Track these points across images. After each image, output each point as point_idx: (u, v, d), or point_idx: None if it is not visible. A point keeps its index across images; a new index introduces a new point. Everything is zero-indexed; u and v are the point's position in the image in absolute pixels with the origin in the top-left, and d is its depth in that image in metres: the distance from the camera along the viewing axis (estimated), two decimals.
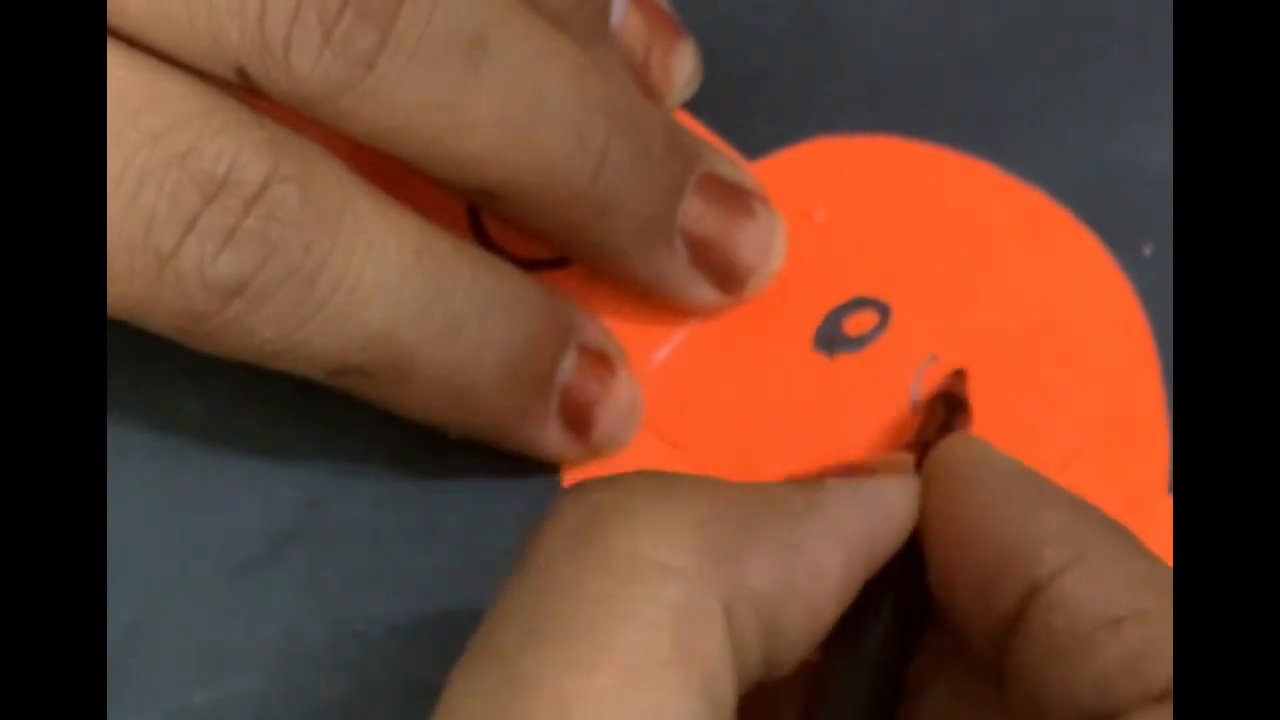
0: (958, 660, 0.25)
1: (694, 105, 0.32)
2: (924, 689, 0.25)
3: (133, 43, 0.26)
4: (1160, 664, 0.21)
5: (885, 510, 0.24)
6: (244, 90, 0.26)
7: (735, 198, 0.30)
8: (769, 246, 0.31)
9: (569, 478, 0.30)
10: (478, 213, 0.31)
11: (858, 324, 0.31)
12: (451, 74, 0.26)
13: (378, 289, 0.26)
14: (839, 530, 0.23)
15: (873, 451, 0.30)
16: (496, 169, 0.27)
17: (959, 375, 0.30)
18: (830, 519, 0.23)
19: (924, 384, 0.31)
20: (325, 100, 0.26)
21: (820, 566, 0.23)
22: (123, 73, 0.25)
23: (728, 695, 0.22)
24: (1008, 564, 0.23)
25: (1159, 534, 0.30)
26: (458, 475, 0.30)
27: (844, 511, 0.24)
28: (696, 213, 0.30)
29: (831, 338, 0.31)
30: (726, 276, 0.30)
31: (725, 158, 0.31)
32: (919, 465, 0.25)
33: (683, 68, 0.32)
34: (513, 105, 0.27)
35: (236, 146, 0.26)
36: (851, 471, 0.25)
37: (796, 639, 0.23)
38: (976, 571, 0.24)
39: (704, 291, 0.30)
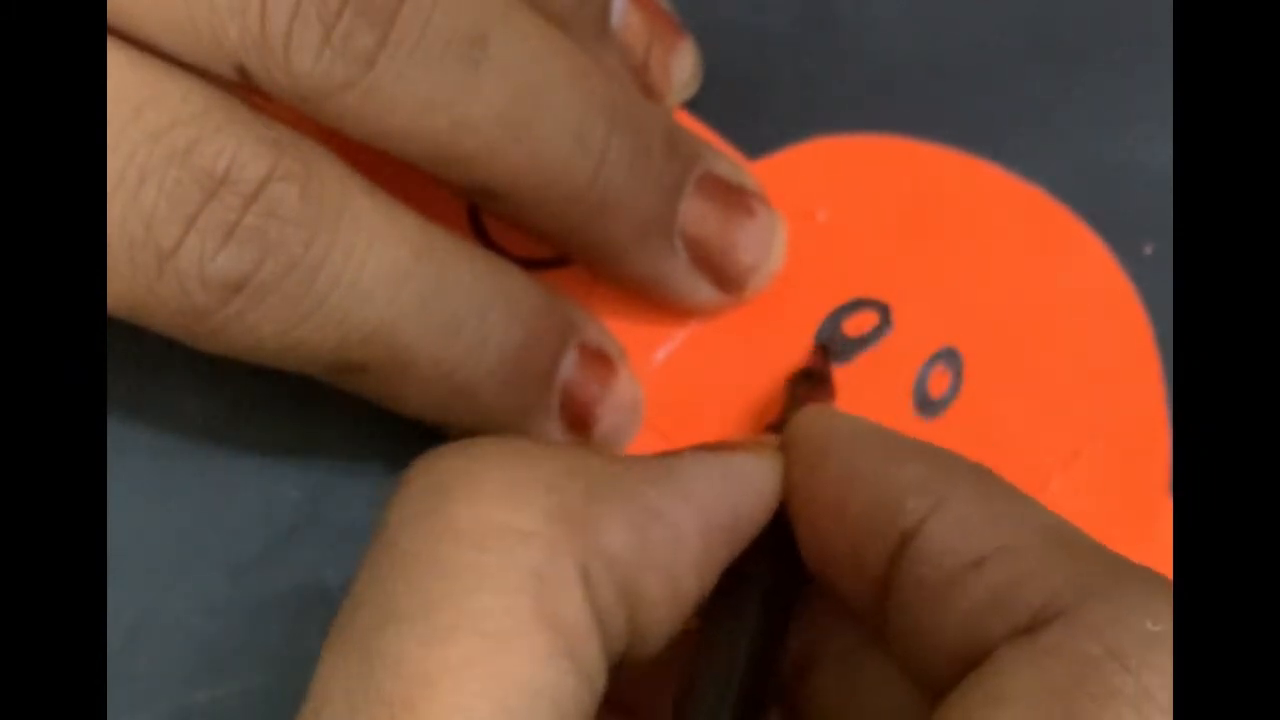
0: (842, 628, 0.25)
1: (694, 105, 0.32)
2: (815, 661, 0.25)
3: (133, 40, 0.26)
4: (1025, 597, 0.21)
5: (745, 482, 0.24)
6: (244, 89, 0.26)
7: (735, 198, 0.30)
8: (769, 246, 0.31)
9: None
10: (478, 212, 0.31)
11: (858, 324, 0.31)
12: (451, 73, 0.26)
13: (377, 286, 0.26)
14: (696, 498, 0.23)
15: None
16: (496, 168, 0.27)
17: (819, 351, 0.30)
18: (687, 486, 0.23)
19: (907, 392, 0.31)
20: (325, 98, 0.26)
21: (677, 532, 0.23)
22: (124, 71, 0.25)
23: (595, 662, 0.21)
24: (873, 521, 0.23)
25: (1159, 534, 0.30)
26: None
27: (701, 480, 0.23)
28: (696, 213, 0.30)
29: (832, 337, 0.31)
30: (726, 276, 0.30)
31: (725, 158, 0.31)
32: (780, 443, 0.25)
33: (683, 68, 0.32)
34: (513, 105, 0.27)
35: (237, 144, 0.26)
36: (711, 448, 0.24)
37: (658, 608, 0.22)
38: (845, 535, 0.23)
39: (704, 291, 0.30)
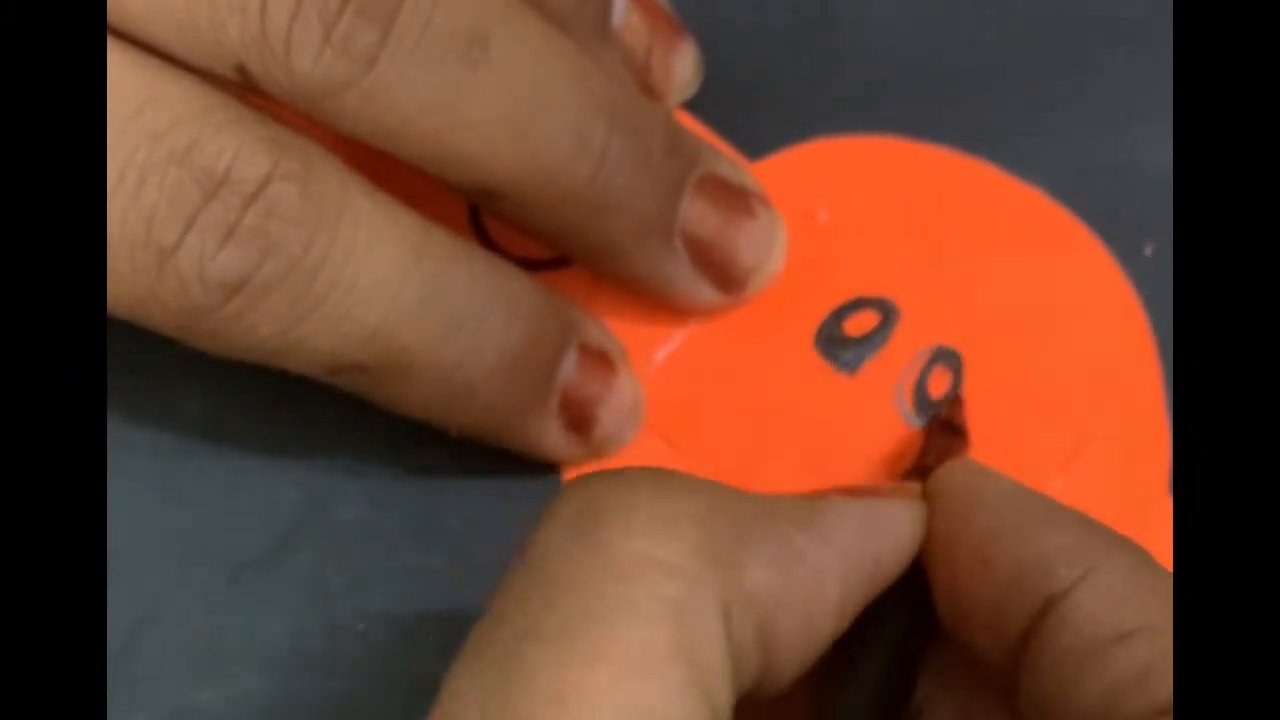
0: (965, 681, 0.25)
1: (694, 105, 0.32)
2: (931, 712, 0.25)
3: (133, 40, 0.26)
4: (1168, 677, 0.21)
5: (888, 531, 0.24)
6: (244, 88, 0.26)
7: (735, 198, 0.30)
8: (769, 247, 0.31)
9: (570, 478, 0.30)
10: (478, 213, 0.31)
11: (858, 324, 0.31)
12: (452, 73, 0.26)
13: (376, 286, 0.26)
14: (839, 544, 0.23)
15: (873, 473, 0.30)
16: (496, 168, 0.27)
17: (956, 403, 0.30)
18: (831, 532, 0.23)
19: (907, 392, 0.31)
20: (326, 98, 0.26)
21: (819, 577, 0.23)
22: (124, 72, 0.25)
23: (724, 698, 0.21)
24: (1019, 582, 0.23)
25: (1159, 534, 0.30)
26: (458, 475, 0.30)
27: (845, 526, 0.23)
28: (696, 213, 0.30)
29: (832, 338, 0.31)
30: (726, 276, 0.30)
31: (725, 158, 0.31)
32: (921, 492, 0.26)
33: (683, 68, 0.32)
34: (513, 104, 0.27)
35: (237, 144, 0.26)
36: (855, 492, 0.25)
37: (792, 649, 0.23)
38: (988, 592, 0.24)
39: (704, 292, 0.30)
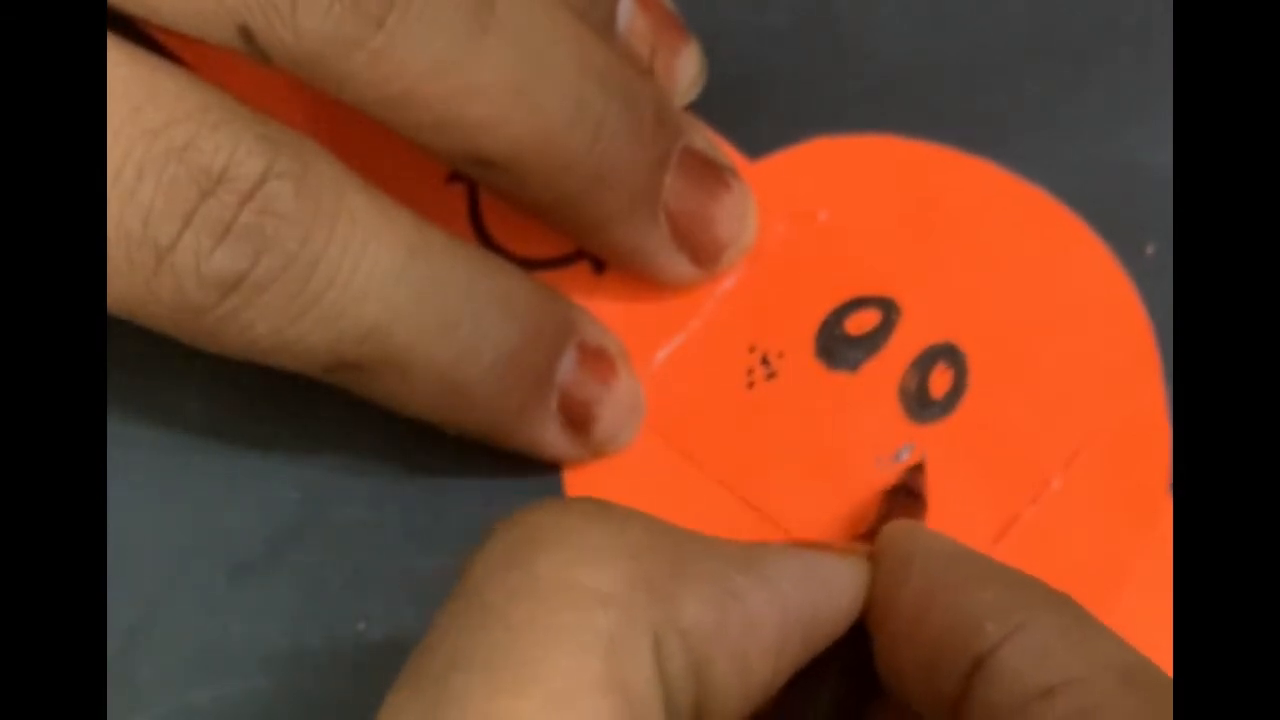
0: None
1: (695, 105, 0.32)
2: None
3: (134, 3, 0.26)
4: None
5: (827, 583, 0.24)
6: (246, 56, 0.26)
7: (713, 172, 0.30)
8: (744, 220, 0.31)
9: (570, 477, 0.30)
10: (477, 212, 0.31)
11: (859, 323, 0.31)
12: (459, 34, 0.26)
13: (373, 284, 0.26)
14: (777, 590, 0.23)
15: (873, 473, 0.30)
16: (499, 135, 0.27)
17: (917, 470, 0.30)
18: (770, 575, 0.23)
19: (908, 391, 0.31)
20: (332, 59, 0.26)
21: (754, 619, 0.23)
22: (123, 69, 0.25)
23: None
24: (951, 642, 0.23)
25: (1159, 534, 0.30)
26: (458, 475, 0.30)
27: (784, 572, 0.23)
28: (679, 186, 0.30)
29: (833, 337, 0.31)
30: (703, 251, 0.30)
31: (702, 131, 0.31)
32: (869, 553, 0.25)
33: (687, 70, 0.32)
34: (518, 68, 0.27)
35: (234, 142, 0.26)
36: (801, 545, 0.25)
37: (727, 690, 0.22)
38: (922, 651, 0.23)
39: (681, 266, 0.30)
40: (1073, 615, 0.23)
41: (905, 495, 0.29)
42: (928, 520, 0.29)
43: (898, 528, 0.26)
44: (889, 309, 0.31)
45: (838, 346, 0.31)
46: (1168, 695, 0.22)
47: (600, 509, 0.23)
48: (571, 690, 0.20)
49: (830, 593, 0.24)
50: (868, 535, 0.27)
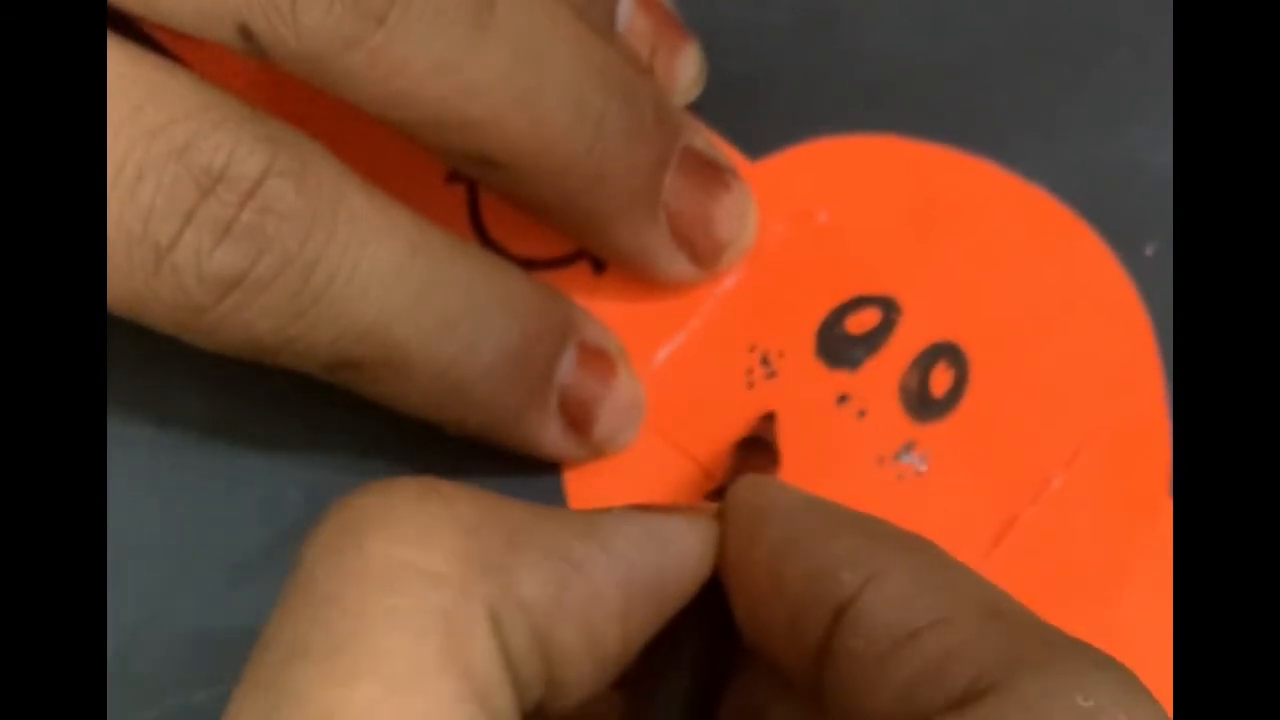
0: (780, 698, 0.25)
1: (695, 105, 0.32)
2: None
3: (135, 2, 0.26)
4: (958, 669, 0.21)
5: (671, 545, 0.24)
6: (245, 54, 0.26)
7: (713, 172, 0.30)
8: (744, 220, 0.31)
9: (570, 477, 0.30)
10: (477, 212, 0.31)
11: (860, 322, 0.31)
12: (460, 33, 0.26)
13: (372, 283, 0.26)
14: (618, 555, 0.23)
15: (872, 473, 0.30)
16: (499, 134, 0.27)
17: (768, 419, 0.30)
18: (609, 541, 0.23)
19: (909, 390, 0.31)
20: (333, 57, 0.26)
21: (596, 586, 0.22)
22: (123, 68, 0.25)
23: (506, 709, 0.21)
24: (808, 594, 0.23)
25: (1159, 534, 0.30)
26: (458, 475, 0.30)
27: (624, 537, 0.23)
28: (679, 186, 0.30)
29: (833, 336, 0.31)
30: (703, 251, 0.30)
31: (701, 131, 0.31)
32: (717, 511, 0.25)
33: (687, 70, 0.32)
34: (518, 67, 0.27)
35: (234, 141, 0.25)
36: (642, 509, 0.24)
37: (576, 661, 0.22)
38: (781, 606, 0.23)
39: (680, 265, 0.30)
40: (930, 557, 0.23)
41: (758, 447, 0.29)
42: (781, 473, 0.29)
43: (745, 483, 0.25)
44: (889, 308, 0.31)
45: (838, 346, 0.31)
46: (1030, 628, 0.21)
47: (427, 488, 0.22)
48: (409, 673, 0.20)
49: (675, 553, 0.24)
50: (718, 492, 0.26)
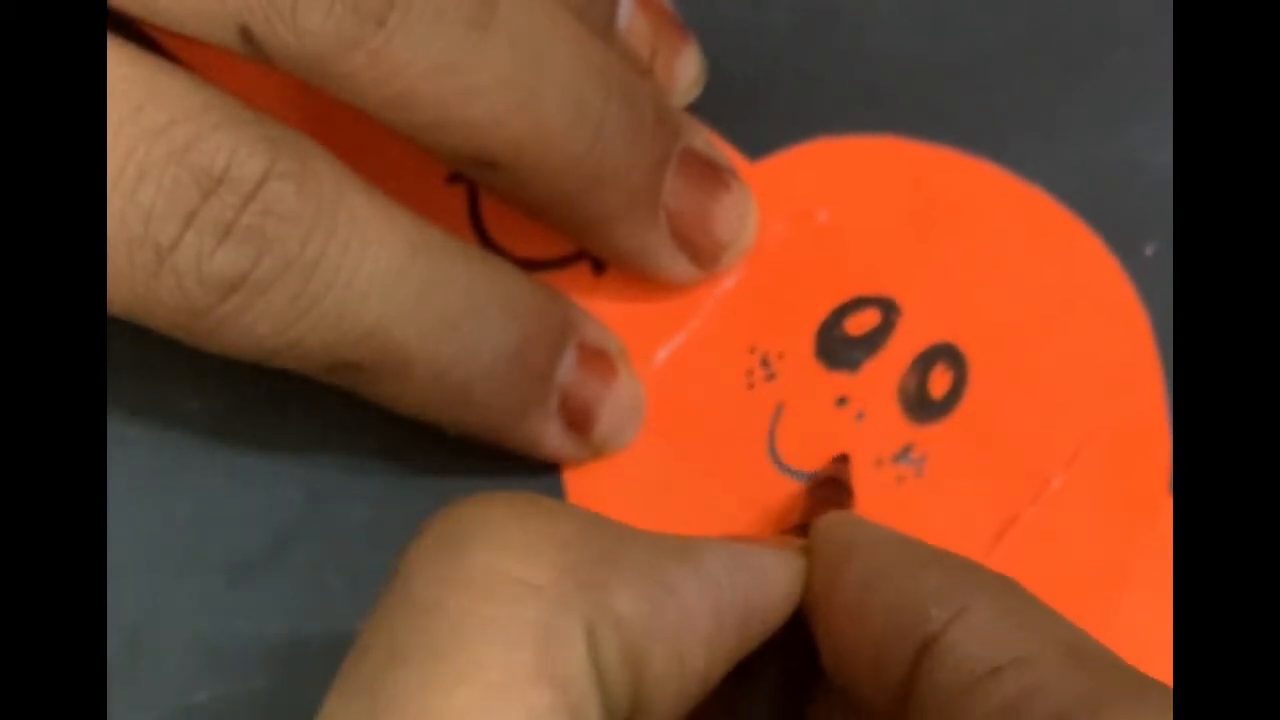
0: None
1: (695, 105, 0.32)
2: None
3: (134, 4, 0.26)
4: (1040, 707, 0.21)
5: (762, 574, 0.24)
6: (246, 56, 0.26)
7: (713, 172, 0.30)
8: (744, 220, 0.31)
9: (570, 478, 0.30)
10: (477, 212, 0.31)
11: (859, 323, 0.31)
12: (460, 35, 0.26)
13: (373, 284, 0.26)
14: (710, 580, 0.23)
15: (873, 473, 0.30)
16: (500, 135, 0.27)
17: (843, 460, 0.30)
18: (703, 568, 0.23)
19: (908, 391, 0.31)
20: (333, 59, 0.26)
21: (688, 609, 0.23)
22: (124, 69, 0.25)
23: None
24: (895, 628, 0.23)
25: (1159, 534, 0.30)
26: (458, 475, 0.30)
27: (718, 564, 0.23)
28: (679, 186, 0.30)
29: (833, 337, 0.31)
30: (703, 250, 0.30)
31: (702, 131, 0.31)
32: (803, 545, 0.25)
33: (687, 71, 0.32)
34: (518, 68, 0.27)
35: (234, 142, 0.25)
36: (734, 539, 0.25)
37: (664, 681, 0.22)
38: (866, 639, 0.23)
39: (681, 266, 0.30)
40: (1016, 596, 0.23)
41: (832, 486, 0.29)
42: (855, 509, 0.29)
43: (834, 518, 0.26)
44: (889, 309, 0.31)
45: (838, 347, 0.31)
46: (1111, 669, 0.22)
47: (529, 502, 0.23)
48: (505, 682, 0.20)
49: (765, 583, 0.24)
50: (798, 528, 0.27)
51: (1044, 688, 0.21)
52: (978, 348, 0.31)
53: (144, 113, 0.25)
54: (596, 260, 0.31)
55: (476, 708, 0.20)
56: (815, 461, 0.30)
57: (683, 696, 0.23)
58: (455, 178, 0.32)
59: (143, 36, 0.27)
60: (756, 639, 0.24)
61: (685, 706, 0.23)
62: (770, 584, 0.24)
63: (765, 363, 0.31)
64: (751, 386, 0.31)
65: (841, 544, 0.25)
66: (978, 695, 0.22)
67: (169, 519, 0.30)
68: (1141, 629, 0.29)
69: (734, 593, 0.23)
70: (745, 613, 0.24)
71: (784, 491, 0.30)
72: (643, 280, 0.31)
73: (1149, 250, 0.31)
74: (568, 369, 0.29)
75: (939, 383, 0.31)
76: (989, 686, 0.22)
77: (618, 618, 0.22)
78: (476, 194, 0.32)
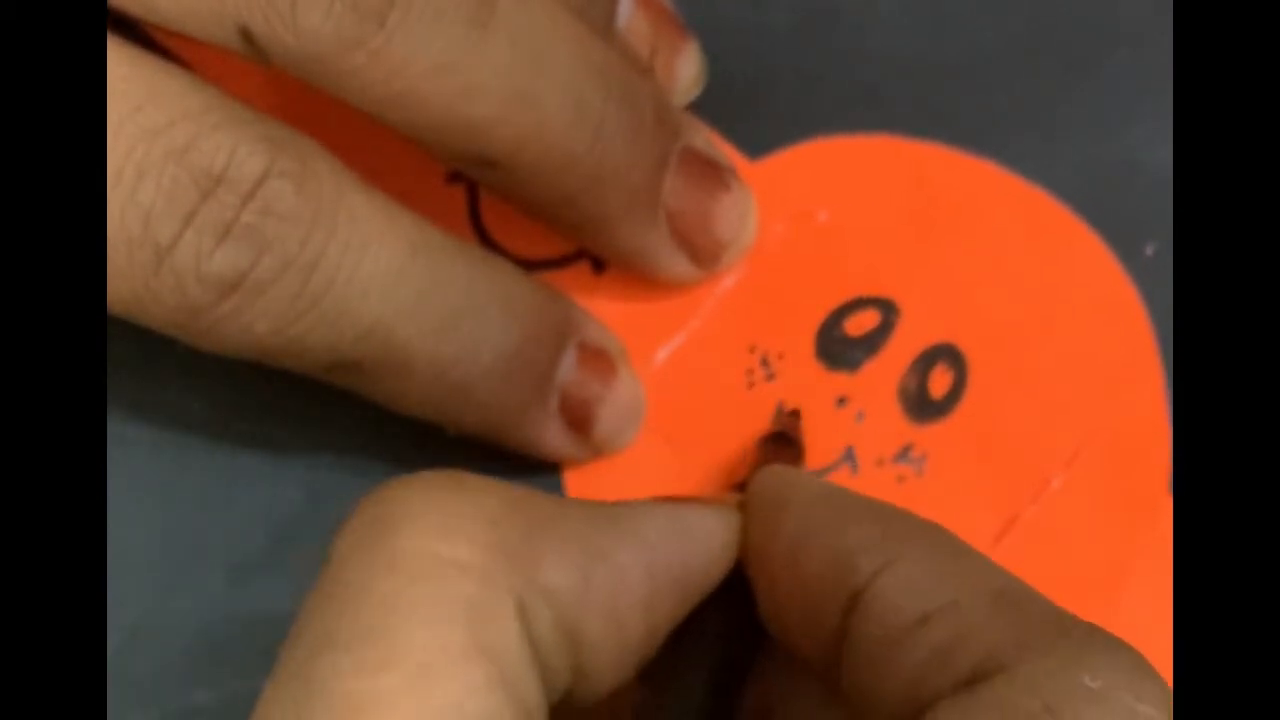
0: (802, 685, 0.25)
1: (695, 105, 0.32)
2: (773, 717, 0.25)
3: (134, 4, 0.26)
4: (967, 651, 0.21)
5: (695, 534, 0.24)
6: (245, 56, 0.26)
7: (713, 172, 0.30)
8: (744, 220, 0.31)
9: (570, 477, 0.30)
10: (477, 212, 0.31)
11: (859, 324, 0.31)
12: (460, 33, 0.26)
13: (373, 283, 0.26)
14: (642, 542, 0.23)
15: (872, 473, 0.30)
16: (500, 135, 0.27)
17: (794, 416, 0.30)
18: (633, 530, 0.23)
19: (908, 391, 0.31)
20: (333, 59, 0.26)
21: (621, 574, 0.23)
22: (124, 69, 0.25)
23: (533, 696, 0.21)
24: (826, 580, 0.23)
25: (1159, 534, 0.30)
26: None
27: (648, 526, 0.23)
28: (679, 186, 0.30)
29: (833, 337, 0.31)
30: (703, 250, 0.30)
31: (702, 130, 0.31)
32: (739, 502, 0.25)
33: (687, 70, 0.32)
34: (518, 68, 0.27)
35: (234, 142, 0.25)
36: (664, 500, 0.24)
37: (602, 648, 0.22)
38: (800, 593, 0.23)
39: (680, 265, 0.30)
40: (944, 544, 0.23)
41: (782, 442, 0.29)
42: (804, 466, 0.29)
43: (766, 473, 0.26)
44: (889, 309, 0.31)
45: (837, 347, 0.31)
46: (1036, 611, 0.22)
47: (455, 481, 0.22)
48: (437, 661, 0.20)
49: (699, 542, 0.24)
50: (742, 484, 0.27)
51: (972, 632, 0.21)
52: (978, 348, 0.31)
53: (144, 113, 0.25)
54: (596, 260, 0.31)
55: (406, 688, 0.20)
56: (815, 461, 0.30)
57: (624, 660, 0.23)
58: (455, 177, 0.32)
59: (143, 36, 0.27)
60: (696, 597, 0.24)
61: (627, 670, 0.23)
62: (706, 542, 0.24)
63: (765, 362, 0.31)
64: (751, 386, 0.31)
65: (775, 498, 0.25)
66: (906, 645, 0.22)
67: (169, 519, 0.30)
68: (1141, 629, 0.29)
69: (668, 553, 0.23)
70: (681, 573, 0.24)
71: None
72: (643, 280, 0.31)
73: (1149, 250, 0.31)
74: (568, 369, 0.29)
75: (939, 383, 0.31)
76: (917, 635, 0.22)
77: (549, 589, 0.22)
78: (476, 194, 0.32)
